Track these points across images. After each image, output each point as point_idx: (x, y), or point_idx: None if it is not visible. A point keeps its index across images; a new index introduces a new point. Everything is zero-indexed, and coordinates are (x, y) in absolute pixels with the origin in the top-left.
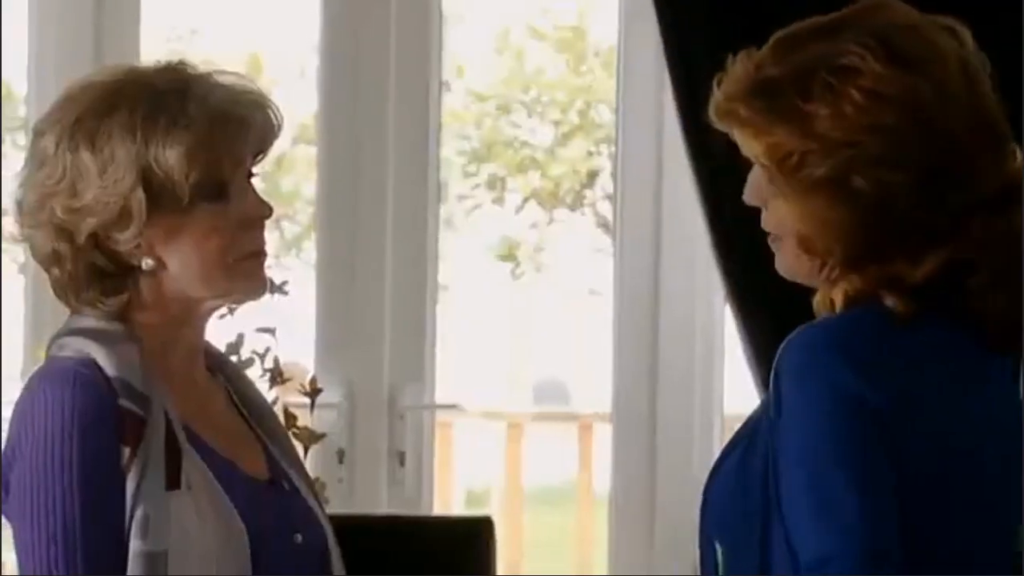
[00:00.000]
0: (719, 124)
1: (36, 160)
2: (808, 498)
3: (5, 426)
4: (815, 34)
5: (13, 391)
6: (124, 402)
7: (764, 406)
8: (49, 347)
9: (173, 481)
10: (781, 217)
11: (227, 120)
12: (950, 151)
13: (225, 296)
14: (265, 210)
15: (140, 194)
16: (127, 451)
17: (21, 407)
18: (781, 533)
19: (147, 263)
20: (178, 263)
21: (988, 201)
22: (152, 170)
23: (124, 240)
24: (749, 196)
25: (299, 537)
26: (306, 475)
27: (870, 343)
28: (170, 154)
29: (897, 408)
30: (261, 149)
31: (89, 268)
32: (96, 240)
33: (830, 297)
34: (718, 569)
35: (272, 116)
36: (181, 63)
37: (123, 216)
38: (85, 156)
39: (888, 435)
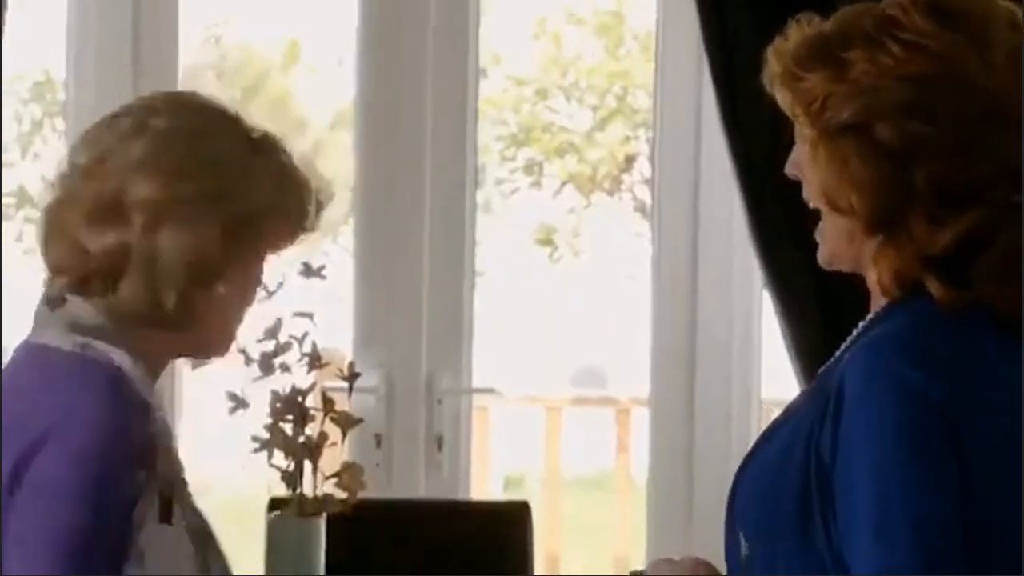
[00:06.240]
0: (769, 87)
1: (205, 160)
2: (868, 503)
3: None
4: None
5: None
6: (150, 427)
7: (806, 401)
8: (41, 322)
9: (165, 515)
10: (810, 178)
11: None
12: (982, 113)
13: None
14: None
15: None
16: (142, 475)
17: (55, 403)
18: (818, 532)
19: (220, 289)
20: (228, 299)
21: (1014, 173)
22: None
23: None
24: (788, 167)
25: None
26: None
27: (932, 342)
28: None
29: (960, 404)
30: None
31: None
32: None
33: (880, 283)
34: (741, 560)
35: None
36: None
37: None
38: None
39: (952, 431)
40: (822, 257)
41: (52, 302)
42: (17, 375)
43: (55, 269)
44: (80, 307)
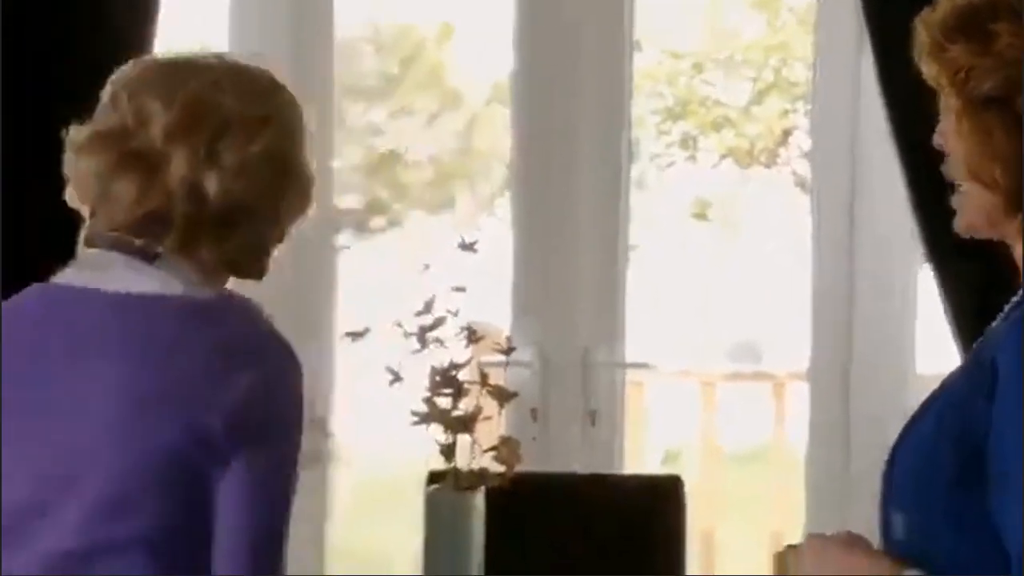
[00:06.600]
0: (917, 59)
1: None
2: (1020, 480)
3: None
4: None
5: None
6: None
7: (962, 376)
8: (115, 267)
9: None
10: (954, 149)
11: None
12: None
13: None
14: None
15: None
16: None
17: (259, 352)
18: (973, 506)
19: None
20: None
21: None
22: None
23: None
24: (935, 138)
25: None
26: None
27: None
28: None
29: None
30: None
31: None
32: None
33: None
34: (897, 534)
35: None
36: None
37: None
38: None
39: None
40: (959, 226)
41: (144, 254)
42: (151, 325)
43: (144, 217)
44: (172, 259)
